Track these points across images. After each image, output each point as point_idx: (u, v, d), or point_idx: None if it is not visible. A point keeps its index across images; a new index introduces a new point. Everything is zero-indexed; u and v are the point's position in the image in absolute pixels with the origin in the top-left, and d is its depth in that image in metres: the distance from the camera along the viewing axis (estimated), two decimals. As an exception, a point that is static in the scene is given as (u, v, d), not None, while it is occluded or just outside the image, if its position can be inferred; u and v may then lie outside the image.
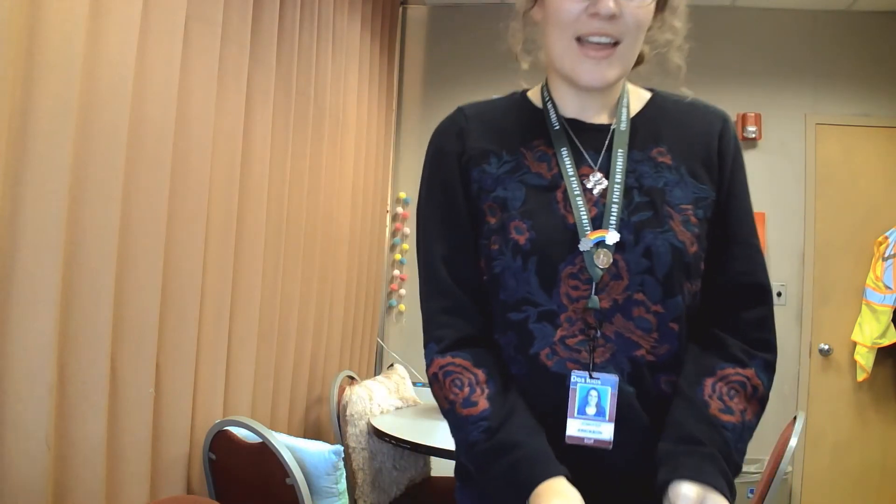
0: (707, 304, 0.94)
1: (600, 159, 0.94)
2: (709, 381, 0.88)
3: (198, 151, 1.93)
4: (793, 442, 2.03)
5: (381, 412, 2.71)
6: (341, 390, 2.82)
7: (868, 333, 3.51)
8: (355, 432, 2.57)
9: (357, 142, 3.30)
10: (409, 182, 4.08)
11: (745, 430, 0.87)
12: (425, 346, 0.96)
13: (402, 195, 4.06)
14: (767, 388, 0.90)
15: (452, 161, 0.97)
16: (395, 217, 4.07)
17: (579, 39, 0.89)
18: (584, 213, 0.90)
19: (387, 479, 2.63)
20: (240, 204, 2.20)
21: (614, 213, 0.90)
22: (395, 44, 3.98)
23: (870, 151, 3.74)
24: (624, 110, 0.97)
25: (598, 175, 0.93)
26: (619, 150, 0.94)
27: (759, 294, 0.94)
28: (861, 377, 3.54)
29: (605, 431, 0.87)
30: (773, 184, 3.78)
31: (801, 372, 3.70)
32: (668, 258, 0.88)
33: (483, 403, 0.88)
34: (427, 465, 2.93)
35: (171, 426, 1.87)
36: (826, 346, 3.68)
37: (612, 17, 0.86)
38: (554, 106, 0.98)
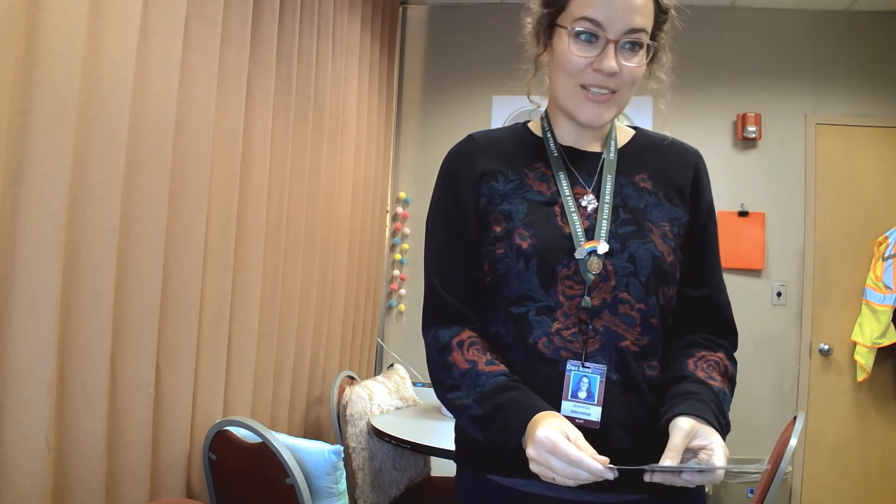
0: (684, 312, 1.11)
1: (592, 183, 1.11)
2: (690, 361, 1.06)
3: (198, 151, 1.93)
4: (793, 442, 2.03)
5: (381, 412, 2.71)
6: (341, 390, 2.81)
7: (868, 333, 3.51)
8: (355, 432, 2.57)
9: (357, 142, 3.30)
10: (409, 182, 4.08)
11: (727, 397, 1.03)
12: (440, 326, 1.09)
13: (402, 195, 4.06)
14: (735, 370, 1.09)
15: (464, 181, 1.12)
16: (395, 217, 4.07)
17: (582, 86, 1.05)
18: (579, 226, 1.06)
19: (387, 479, 2.63)
20: (240, 204, 2.20)
21: (604, 228, 1.06)
22: (395, 44, 3.98)
23: (870, 151, 3.74)
24: (612, 142, 1.15)
25: (591, 196, 1.10)
26: (608, 176, 1.11)
27: (725, 303, 1.14)
28: (861, 377, 3.54)
29: (593, 413, 1.01)
30: (773, 184, 3.79)
31: (801, 372, 3.71)
32: (649, 264, 1.04)
33: (504, 367, 1.03)
34: (427, 465, 2.93)
35: (171, 426, 1.87)
36: (826, 346, 3.68)
37: (612, 74, 1.03)
38: (553, 135, 1.15)
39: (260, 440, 1.79)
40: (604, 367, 1.01)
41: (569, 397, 1.01)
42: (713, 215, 1.16)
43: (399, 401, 2.88)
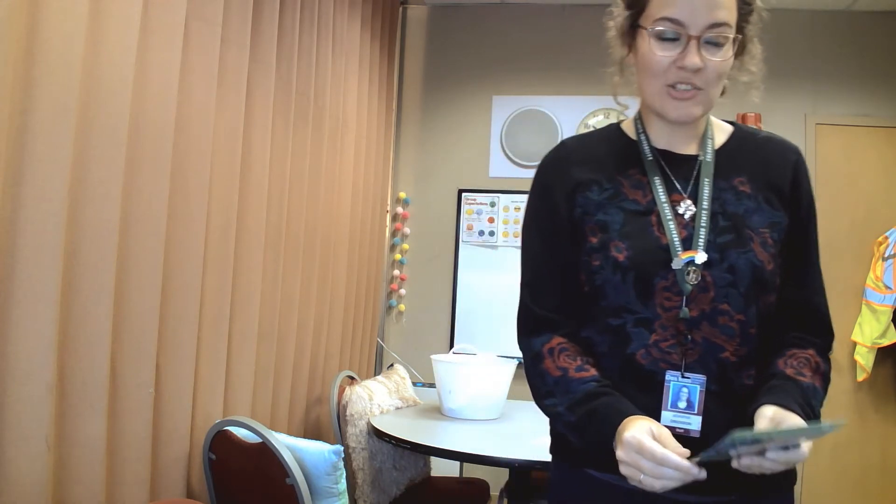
0: (780, 314, 1.09)
1: (689, 188, 1.08)
2: (780, 360, 1.05)
3: (198, 151, 1.93)
4: (793, 442, 2.03)
5: (381, 412, 2.71)
6: (341, 390, 2.81)
7: (868, 333, 3.51)
8: (355, 432, 2.57)
9: (357, 142, 3.30)
10: (409, 182, 4.08)
11: (817, 392, 1.04)
12: (531, 336, 1.11)
13: (402, 195, 4.05)
14: (828, 367, 1.09)
15: (558, 191, 1.12)
16: (395, 217, 4.07)
17: (669, 85, 1.04)
18: (676, 235, 1.04)
19: (387, 479, 2.63)
20: (240, 204, 2.20)
21: (702, 237, 1.04)
22: (395, 44, 3.98)
23: (870, 151, 3.74)
24: (709, 142, 1.11)
25: (688, 202, 1.07)
26: (706, 180, 1.08)
27: (823, 304, 1.15)
28: (861, 377, 3.54)
29: (693, 423, 1.00)
30: (773, 184, 3.78)
31: (801, 372, 3.70)
32: (748, 274, 1.03)
33: (594, 372, 1.04)
34: (427, 465, 2.93)
35: (171, 426, 1.87)
36: (826, 346, 3.68)
37: (697, 71, 1.01)
38: (647, 138, 1.13)
39: (260, 440, 1.79)
40: (703, 378, 1.01)
41: (668, 408, 1.01)
42: (814, 215, 1.13)
43: (399, 401, 2.88)
